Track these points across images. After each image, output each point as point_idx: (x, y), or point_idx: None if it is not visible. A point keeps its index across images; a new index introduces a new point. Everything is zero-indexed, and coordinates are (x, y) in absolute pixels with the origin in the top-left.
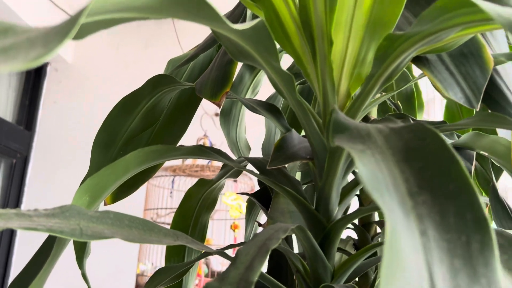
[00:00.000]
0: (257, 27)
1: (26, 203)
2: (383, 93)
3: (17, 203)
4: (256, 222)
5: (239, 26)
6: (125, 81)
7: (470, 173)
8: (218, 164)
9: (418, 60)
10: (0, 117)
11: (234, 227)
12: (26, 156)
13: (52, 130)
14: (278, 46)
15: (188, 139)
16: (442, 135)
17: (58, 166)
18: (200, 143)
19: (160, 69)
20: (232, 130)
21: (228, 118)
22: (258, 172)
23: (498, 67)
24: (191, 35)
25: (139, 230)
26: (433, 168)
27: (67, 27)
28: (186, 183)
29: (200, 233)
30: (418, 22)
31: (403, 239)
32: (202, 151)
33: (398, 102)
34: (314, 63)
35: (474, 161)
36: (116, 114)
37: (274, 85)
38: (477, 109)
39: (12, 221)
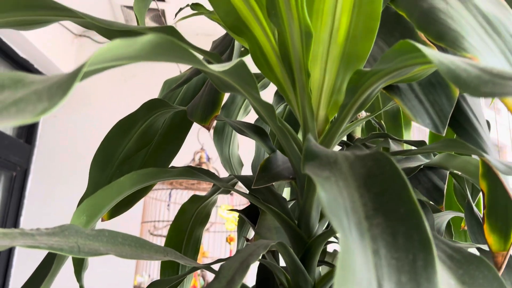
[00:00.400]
0: (238, 65)
1: (26, 216)
2: (368, 113)
3: (16, 216)
4: (244, 237)
5: (220, 68)
6: (124, 95)
7: (443, 191)
8: None
9: (390, 89)
10: (0, 130)
11: (229, 240)
12: (26, 169)
13: (52, 144)
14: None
15: (185, 152)
16: (397, 164)
17: (57, 179)
18: (197, 156)
19: (158, 84)
20: (225, 148)
21: (221, 136)
22: (247, 189)
23: (466, 95)
24: None
25: (132, 247)
26: (389, 193)
27: (68, 83)
28: (183, 196)
29: (194, 246)
30: (382, 60)
31: (357, 258)
32: (191, 172)
33: (382, 121)
34: (294, 91)
35: (453, 180)
36: (113, 136)
37: (257, 112)
38: (443, 134)
39: (17, 239)
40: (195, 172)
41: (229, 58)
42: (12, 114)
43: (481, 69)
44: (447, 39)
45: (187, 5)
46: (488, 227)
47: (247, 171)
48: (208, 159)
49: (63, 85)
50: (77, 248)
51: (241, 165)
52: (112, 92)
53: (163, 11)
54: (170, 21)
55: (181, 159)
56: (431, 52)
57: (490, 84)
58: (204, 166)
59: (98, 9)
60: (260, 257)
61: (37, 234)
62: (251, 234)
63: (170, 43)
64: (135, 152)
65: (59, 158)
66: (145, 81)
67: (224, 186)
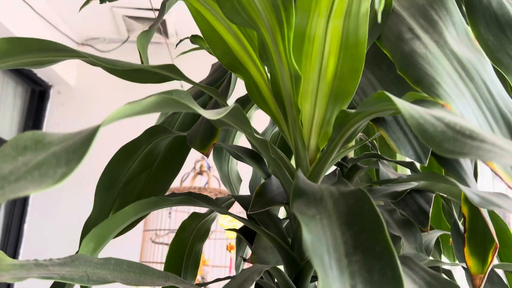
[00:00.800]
0: (233, 109)
1: (29, 223)
2: (362, 134)
3: (20, 223)
4: (241, 257)
5: (216, 115)
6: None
7: (429, 214)
8: (215, 186)
9: (377, 121)
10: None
11: (230, 248)
12: None
13: None
14: None
15: (186, 161)
16: (375, 204)
17: (60, 187)
18: (198, 165)
19: None
20: (224, 164)
21: (220, 154)
22: (243, 207)
23: None
24: (189, 66)
25: (136, 273)
26: (367, 231)
27: (83, 146)
28: None
29: (194, 260)
30: (364, 104)
31: None
32: (190, 200)
33: (375, 141)
34: (286, 123)
35: (441, 200)
36: (117, 160)
37: (252, 145)
38: (425, 165)
39: (32, 271)
40: (193, 199)
41: (228, 85)
42: (36, 178)
43: (446, 124)
44: (423, 85)
45: (187, 37)
46: (468, 250)
47: (246, 183)
48: (209, 167)
49: (79, 149)
50: (87, 277)
51: (240, 181)
52: (115, 101)
53: (164, 22)
54: (171, 31)
55: (182, 168)
56: (403, 105)
57: (452, 141)
58: (204, 175)
59: (100, 19)
60: (254, 283)
61: (50, 264)
62: (248, 250)
63: (170, 100)
64: (138, 173)
65: None
66: (148, 91)
67: (220, 211)
